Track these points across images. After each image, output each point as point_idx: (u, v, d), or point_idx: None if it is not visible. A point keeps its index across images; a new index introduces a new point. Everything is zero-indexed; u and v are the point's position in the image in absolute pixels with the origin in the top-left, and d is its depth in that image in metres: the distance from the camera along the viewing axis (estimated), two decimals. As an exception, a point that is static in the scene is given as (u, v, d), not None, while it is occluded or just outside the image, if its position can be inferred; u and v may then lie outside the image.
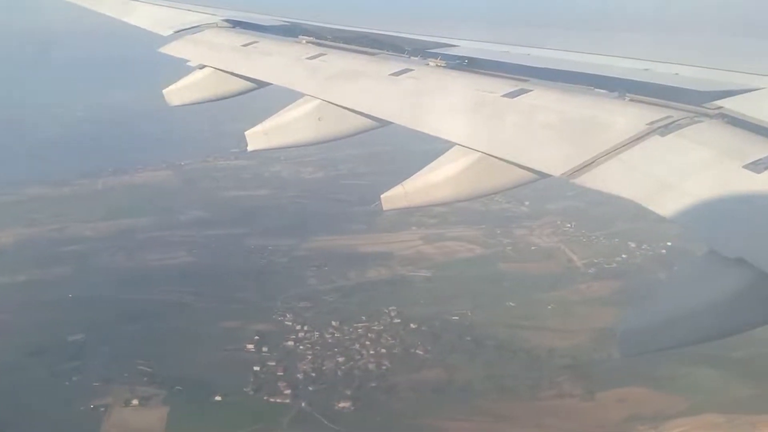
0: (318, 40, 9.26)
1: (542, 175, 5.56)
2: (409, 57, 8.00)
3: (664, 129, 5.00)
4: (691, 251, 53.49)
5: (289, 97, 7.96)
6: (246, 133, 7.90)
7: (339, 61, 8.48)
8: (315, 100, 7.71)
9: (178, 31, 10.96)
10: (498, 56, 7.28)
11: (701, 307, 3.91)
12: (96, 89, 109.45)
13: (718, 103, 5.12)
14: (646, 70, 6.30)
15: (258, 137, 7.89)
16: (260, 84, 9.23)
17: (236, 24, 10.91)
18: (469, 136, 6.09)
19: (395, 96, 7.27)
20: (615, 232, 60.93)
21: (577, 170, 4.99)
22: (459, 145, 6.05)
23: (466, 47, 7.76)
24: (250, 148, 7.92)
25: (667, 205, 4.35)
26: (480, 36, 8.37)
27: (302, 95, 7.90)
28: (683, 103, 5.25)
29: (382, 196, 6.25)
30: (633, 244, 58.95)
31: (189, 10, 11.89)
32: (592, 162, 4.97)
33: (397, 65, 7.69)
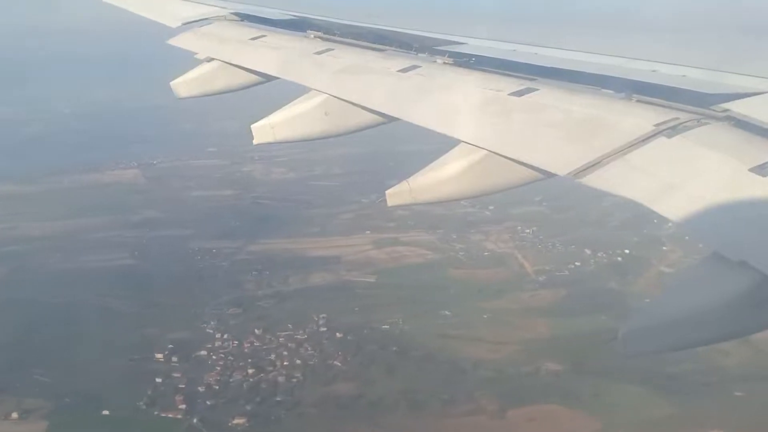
0: (326, 35, 9.30)
1: (548, 175, 5.60)
2: (417, 54, 8.08)
3: (671, 131, 5.07)
4: (647, 259, 52.68)
5: (297, 91, 7.97)
6: (252, 126, 7.86)
7: (347, 56, 8.50)
8: (322, 94, 7.73)
9: (187, 23, 10.97)
10: (505, 55, 7.36)
11: (704, 310, 3.95)
12: (95, 84, 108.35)
13: (726, 105, 5.20)
14: (654, 71, 6.39)
15: (264, 131, 7.86)
16: (268, 78, 9.26)
17: (245, 17, 10.95)
18: (475, 134, 6.14)
19: (402, 92, 7.29)
20: (573, 239, 59.97)
21: (582, 170, 5.03)
22: (465, 142, 6.09)
23: (473, 45, 7.84)
24: (255, 141, 7.88)
25: (671, 207, 4.41)
26: (488, 34, 8.45)
27: (309, 90, 7.92)
28: (690, 105, 5.33)
29: (387, 192, 6.25)
30: (589, 251, 57.89)
31: (198, 3, 11.89)
32: (598, 162, 5.02)
33: (405, 62, 7.74)
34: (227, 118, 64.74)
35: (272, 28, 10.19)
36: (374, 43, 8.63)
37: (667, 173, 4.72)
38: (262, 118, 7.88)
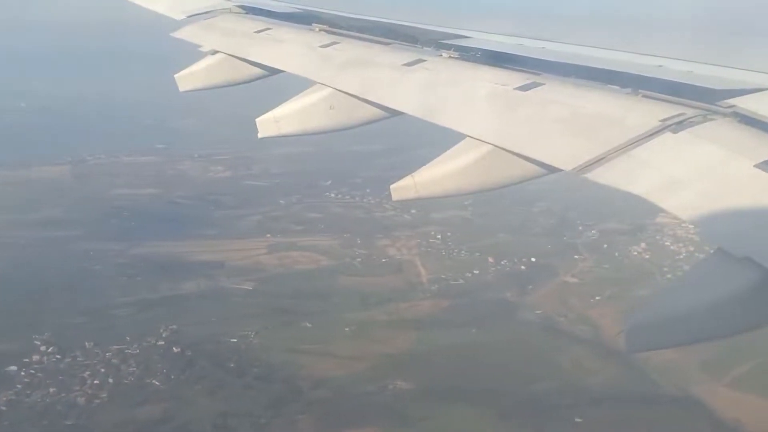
0: (331, 28, 9.24)
1: (553, 170, 5.60)
2: (423, 47, 8.06)
3: (677, 126, 5.08)
4: (554, 268, 50.35)
5: (301, 84, 7.93)
6: (257, 120, 7.81)
7: (352, 49, 8.46)
8: (327, 88, 7.70)
9: (192, 16, 10.83)
10: (511, 49, 7.31)
11: (708, 306, 3.96)
12: (81, 78, 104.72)
13: (731, 101, 5.23)
14: (660, 66, 6.40)
15: (268, 124, 7.81)
16: (272, 71, 9.19)
17: (250, 10, 10.85)
18: (480, 129, 6.12)
19: (408, 86, 7.25)
20: (483, 246, 57.85)
21: (587, 165, 5.03)
22: (470, 137, 6.08)
23: (479, 39, 7.81)
24: (260, 135, 7.83)
25: (676, 203, 4.44)
26: (493, 28, 8.42)
27: (314, 83, 7.88)
28: (696, 101, 5.35)
29: (391, 186, 6.22)
30: (492, 260, 55.94)
31: None
32: (604, 157, 5.02)
33: (411, 56, 7.70)
34: (201, 114, 61.80)
35: (277, 21, 10.13)
36: (380, 36, 8.59)
37: (672, 169, 4.73)
38: (261, 112, 7.86)
